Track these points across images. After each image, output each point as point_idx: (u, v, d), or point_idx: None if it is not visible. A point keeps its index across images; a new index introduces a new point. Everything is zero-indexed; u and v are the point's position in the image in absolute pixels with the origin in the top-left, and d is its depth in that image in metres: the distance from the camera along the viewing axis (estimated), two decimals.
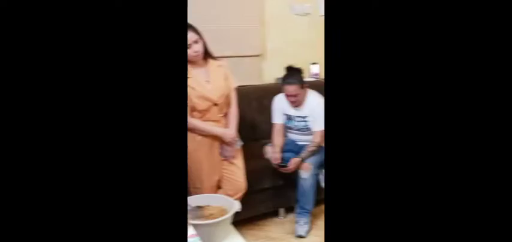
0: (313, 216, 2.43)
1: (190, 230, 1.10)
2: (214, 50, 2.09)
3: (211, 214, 1.59)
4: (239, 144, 2.15)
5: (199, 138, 2.04)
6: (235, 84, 2.13)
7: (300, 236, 2.32)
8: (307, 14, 3.18)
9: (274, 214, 2.54)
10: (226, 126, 2.09)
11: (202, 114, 2.02)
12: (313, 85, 2.49)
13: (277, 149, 2.37)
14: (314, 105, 2.34)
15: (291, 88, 2.30)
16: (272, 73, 3.04)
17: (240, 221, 2.20)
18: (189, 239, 1.05)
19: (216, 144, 2.08)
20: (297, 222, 2.37)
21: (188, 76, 1.98)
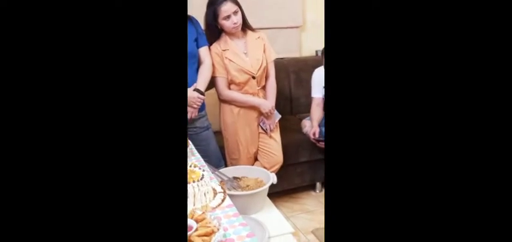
0: None
1: (227, 201, 1.12)
2: (252, 21, 2.07)
3: (248, 186, 1.61)
4: (277, 116, 2.15)
5: (237, 110, 2.05)
6: (273, 56, 2.11)
7: None
8: None
9: (311, 187, 2.55)
10: (264, 98, 2.09)
11: (240, 86, 2.03)
12: None
13: (315, 123, 2.34)
14: None
15: None
16: (312, 46, 2.98)
17: (276, 193, 2.23)
18: (225, 209, 1.07)
19: (254, 116, 2.09)
20: None
21: (226, 48, 1.98)
